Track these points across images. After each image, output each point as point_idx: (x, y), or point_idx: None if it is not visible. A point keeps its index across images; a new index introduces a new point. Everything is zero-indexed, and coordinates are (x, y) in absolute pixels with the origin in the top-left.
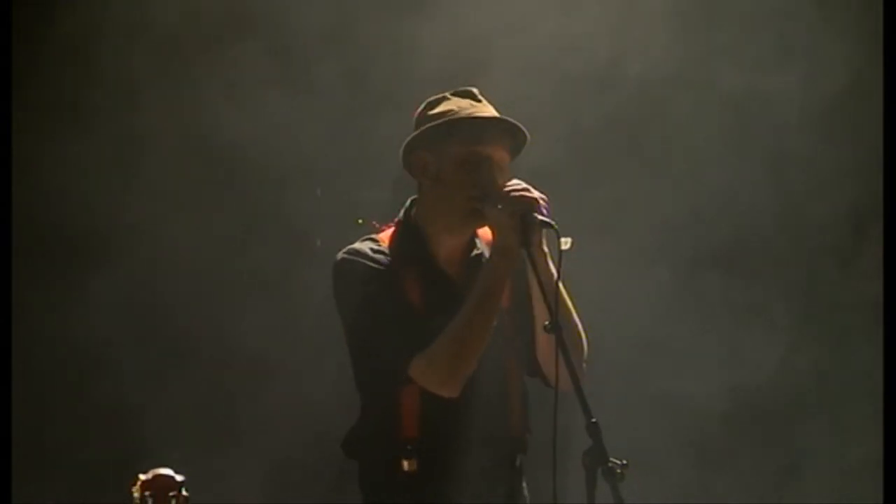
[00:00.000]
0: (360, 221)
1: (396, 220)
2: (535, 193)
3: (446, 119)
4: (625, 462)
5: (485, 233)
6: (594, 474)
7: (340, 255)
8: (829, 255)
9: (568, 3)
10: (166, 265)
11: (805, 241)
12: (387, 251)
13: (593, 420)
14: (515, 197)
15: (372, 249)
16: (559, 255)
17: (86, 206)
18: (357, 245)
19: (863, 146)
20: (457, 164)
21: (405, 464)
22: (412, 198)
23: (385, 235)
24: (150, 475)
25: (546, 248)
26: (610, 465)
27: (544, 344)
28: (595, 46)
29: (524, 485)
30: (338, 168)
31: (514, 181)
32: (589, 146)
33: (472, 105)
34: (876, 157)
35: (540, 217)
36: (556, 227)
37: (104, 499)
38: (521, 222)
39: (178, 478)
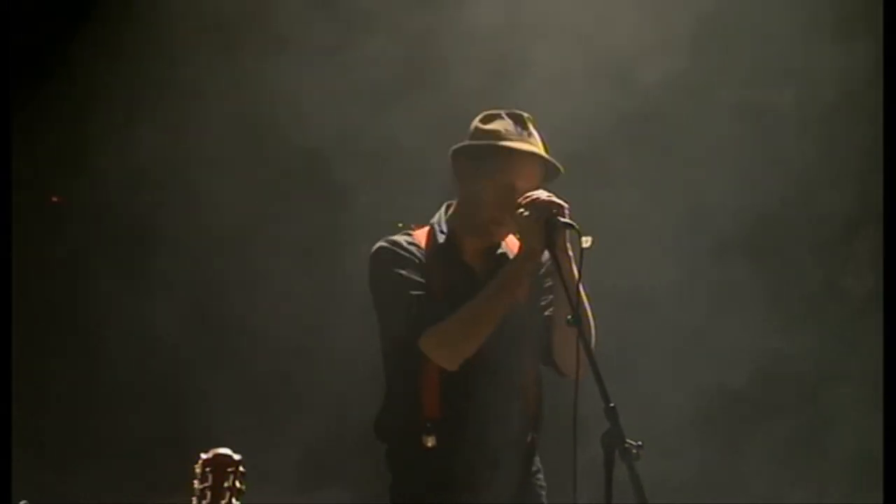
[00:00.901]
0: (400, 224)
1: (432, 221)
2: (557, 200)
3: (491, 142)
4: (640, 443)
5: (510, 240)
6: (612, 454)
7: (379, 243)
8: (837, 246)
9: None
10: (223, 247)
11: (818, 233)
12: (419, 244)
13: (611, 405)
14: (539, 203)
15: (406, 241)
16: (580, 253)
17: (144, 187)
18: (394, 237)
19: (864, 146)
20: (488, 184)
21: (427, 441)
22: (447, 203)
23: (421, 232)
24: (210, 454)
25: (569, 249)
26: (626, 445)
27: (561, 335)
28: (619, 48)
29: (537, 458)
30: (383, 148)
31: (539, 191)
32: (604, 146)
33: (519, 133)
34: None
35: (562, 220)
36: (578, 228)
37: (166, 477)
38: (545, 225)
39: (236, 457)
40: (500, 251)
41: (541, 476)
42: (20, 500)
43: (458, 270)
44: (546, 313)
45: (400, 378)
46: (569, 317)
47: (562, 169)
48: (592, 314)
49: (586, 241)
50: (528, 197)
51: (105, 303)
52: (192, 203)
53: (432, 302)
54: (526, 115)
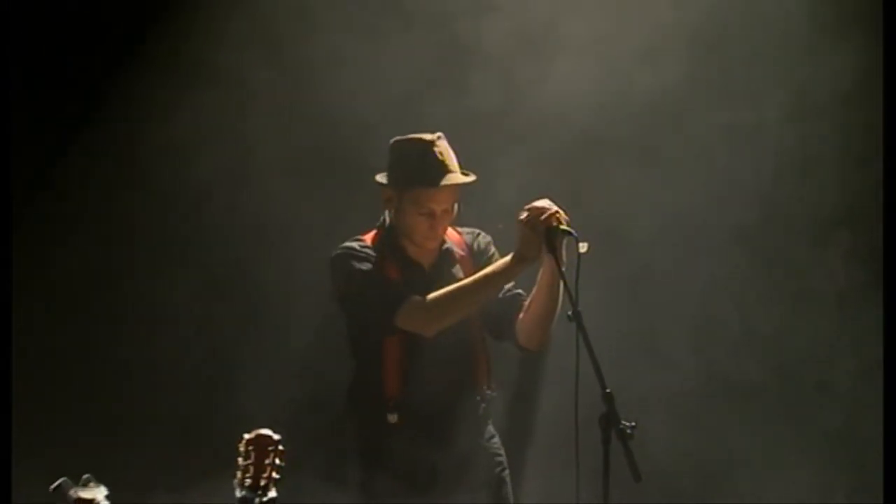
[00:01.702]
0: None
1: (379, 225)
2: (555, 208)
3: (405, 176)
4: (633, 424)
5: (451, 233)
6: (609, 434)
7: (335, 252)
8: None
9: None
10: (267, 232)
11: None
12: (371, 246)
13: (607, 390)
14: (540, 214)
15: (359, 245)
16: (578, 257)
17: (189, 164)
18: (347, 243)
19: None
20: (412, 210)
21: (390, 417)
22: (386, 204)
23: (367, 237)
24: (252, 434)
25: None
26: (621, 426)
27: (531, 316)
28: (630, 54)
29: (490, 426)
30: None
31: (542, 200)
32: (605, 149)
33: (440, 167)
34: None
35: (562, 227)
36: (576, 234)
37: (206, 456)
38: (546, 233)
39: (276, 437)
40: (445, 246)
41: (496, 440)
42: (84, 475)
43: (408, 267)
44: (512, 293)
45: (365, 362)
46: (569, 313)
47: (475, 178)
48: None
49: (583, 247)
50: (530, 208)
51: (147, 291)
52: (241, 185)
53: (392, 288)
54: (433, 137)
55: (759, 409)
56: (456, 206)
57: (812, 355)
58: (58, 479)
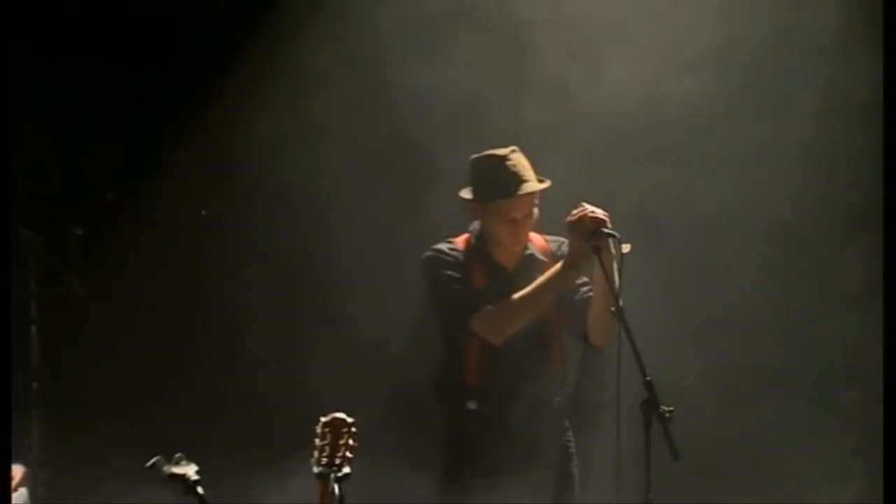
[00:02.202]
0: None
1: (470, 230)
2: (600, 213)
3: (485, 190)
4: (672, 408)
5: (535, 237)
6: (650, 418)
7: (425, 253)
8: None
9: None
10: (341, 223)
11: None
12: (460, 250)
13: (648, 378)
14: (585, 220)
15: (447, 248)
16: (621, 257)
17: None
18: (437, 245)
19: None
20: (494, 220)
21: (470, 404)
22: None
23: (459, 240)
24: (328, 417)
25: (612, 250)
26: (661, 410)
27: (595, 317)
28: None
29: (564, 421)
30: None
31: (586, 205)
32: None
33: (515, 178)
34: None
35: (605, 230)
36: (618, 236)
37: (284, 438)
38: (592, 236)
39: (349, 419)
40: (528, 251)
41: (569, 434)
42: (176, 454)
43: (493, 269)
44: (585, 296)
45: (450, 354)
46: (612, 308)
47: (548, 184)
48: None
49: (626, 248)
50: (576, 214)
51: (230, 285)
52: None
53: (473, 293)
54: (507, 151)
55: (791, 395)
56: (536, 210)
57: (842, 345)
58: (154, 456)
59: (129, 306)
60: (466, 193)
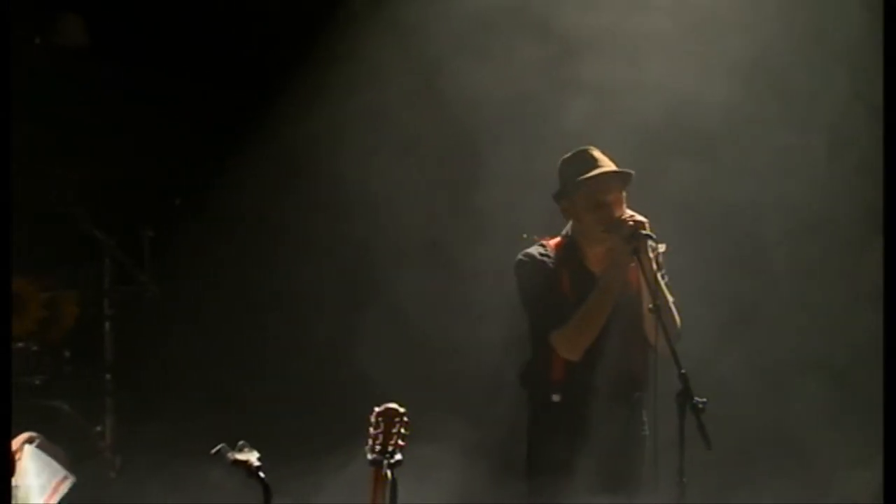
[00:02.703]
0: (524, 236)
1: (563, 233)
2: (640, 217)
3: (572, 180)
4: (705, 400)
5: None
6: (684, 409)
7: (519, 256)
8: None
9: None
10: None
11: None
12: (550, 254)
13: (683, 371)
14: (625, 223)
15: (539, 252)
16: (657, 257)
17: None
18: (530, 249)
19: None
20: (588, 209)
21: (554, 396)
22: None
23: (552, 243)
24: (382, 407)
25: (650, 252)
26: (695, 402)
27: (647, 319)
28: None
29: (643, 413)
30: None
31: (628, 211)
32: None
33: (595, 161)
34: None
35: (643, 232)
36: (655, 238)
37: (341, 423)
38: (632, 238)
39: (401, 409)
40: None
41: (646, 427)
42: (239, 441)
43: (581, 272)
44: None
45: (538, 350)
46: (650, 305)
47: (632, 172)
48: (675, 305)
49: (661, 248)
50: (616, 219)
51: (295, 279)
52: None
53: (559, 303)
54: (591, 147)
55: (823, 384)
56: (624, 194)
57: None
58: (218, 444)
59: (197, 303)
60: (557, 195)
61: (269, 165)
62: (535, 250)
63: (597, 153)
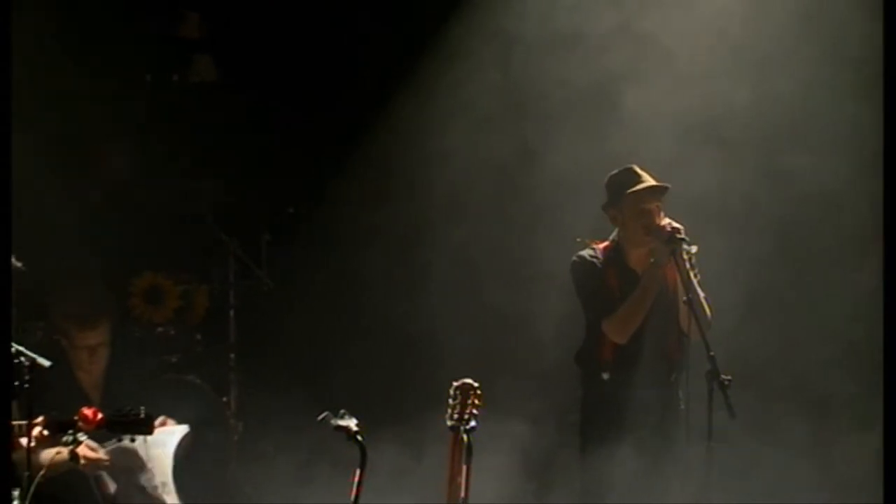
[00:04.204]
0: (578, 240)
1: (610, 238)
2: (676, 224)
3: (619, 191)
4: (730, 378)
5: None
6: (712, 386)
7: (573, 258)
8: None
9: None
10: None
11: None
12: (600, 256)
13: (711, 353)
14: (663, 230)
15: (589, 255)
16: (689, 257)
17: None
18: (583, 252)
19: None
20: (632, 217)
21: (604, 375)
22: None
23: (601, 246)
24: (459, 382)
25: (684, 255)
26: (721, 379)
27: (682, 310)
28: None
29: (679, 393)
30: None
31: (666, 219)
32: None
33: (639, 177)
34: None
35: (679, 236)
36: (689, 240)
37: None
38: (669, 243)
39: (475, 384)
40: (652, 259)
41: (682, 402)
42: (340, 409)
43: (625, 271)
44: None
45: (591, 333)
46: (684, 298)
47: (668, 186)
48: (706, 301)
49: (693, 249)
50: (656, 226)
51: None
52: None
53: (608, 297)
54: (634, 166)
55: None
56: (660, 206)
57: None
58: (323, 411)
59: (306, 294)
60: (605, 205)
61: (366, 181)
62: (586, 253)
63: (639, 170)
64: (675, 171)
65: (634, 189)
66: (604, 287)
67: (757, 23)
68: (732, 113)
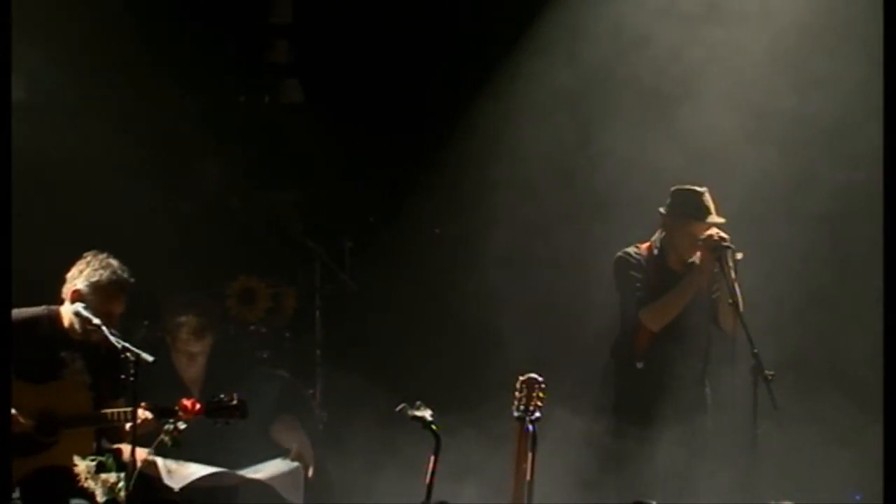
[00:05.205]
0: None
1: (652, 238)
2: (724, 234)
3: (684, 213)
4: (773, 373)
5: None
6: (756, 380)
7: (618, 254)
8: None
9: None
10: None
11: None
12: (643, 253)
13: (755, 350)
14: (714, 239)
15: (634, 252)
16: (735, 263)
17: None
18: (627, 249)
19: None
20: (684, 236)
21: (638, 364)
22: (660, 229)
23: (643, 246)
24: (525, 376)
25: (730, 260)
26: (765, 374)
27: (722, 309)
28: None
29: (705, 380)
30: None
31: (713, 230)
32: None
33: (707, 211)
34: None
35: (724, 244)
36: (734, 248)
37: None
38: (716, 249)
39: (540, 378)
40: (690, 260)
41: (708, 391)
42: (416, 401)
43: (666, 272)
44: (715, 294)
45: (628, 326)
46: (729, 301)
47: (723, 221)
48: (742, 297)
49: (739, 255)
50: (707, 234)
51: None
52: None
53: (644, 289)
54: (703, 189)
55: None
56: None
57: None
58: (401, 403)
59: (385, 297)
60: (663, 209)
61: (439, 193)
62: (631, 250)
63: (709, 200)
64: (729, 170)
65: (698, 224)
66: (644, 283)
67: (810, 39)
68: (782, 116)
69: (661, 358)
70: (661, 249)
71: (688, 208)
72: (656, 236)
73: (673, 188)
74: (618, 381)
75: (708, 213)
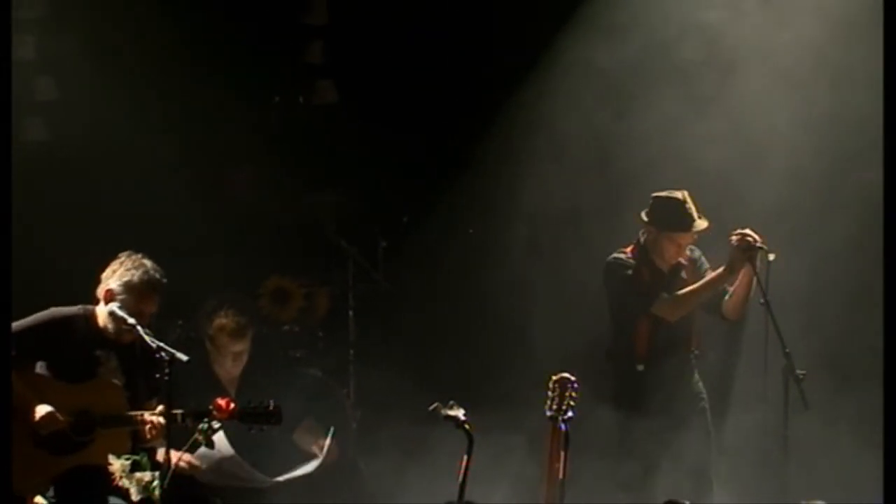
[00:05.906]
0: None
1: (635, 241)
2: (756, 235)
3: (666, 221)
4: (805, 372)
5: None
6: (787, 379)
7: (608, 259)
8: None
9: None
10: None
11: None
12: (630, 257)
13: (787, 350)
14: (745, 240)
15: (623, 256)
16: (768, 264)
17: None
18: (615, 254)
19: None
20: (666, 242)
21: (639, 366)
22: (643, 230)
23: (628, 249)
24: (558, 376)
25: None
26: (797, 373)
27: (735, 301)
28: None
29: (696, 374)
30: None
31: (746, 230)
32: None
33: (691, 221)
34: None
35: (758, 245)
36: (766, 248)
37: (521, 382)
38: (746, 251)
39: (572, 378)
40: (676, 260)
41: (700, 384)
42: (450, 400)
43: (654, 272)
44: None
45: (622, 332)
46: (761, 301)
47: (707, 225)
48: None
49: (771, 256)
50: (739, 235)
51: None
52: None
53: (641, 289)
54: (683, 196)
55: None
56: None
57: None
58: (434, 402)
59: (417, 296)
60: (644, 216)
61: (472, 195)
62: (619, 254)
63: (691, 205)
64: (767, 163)
65: (680, 234)
66: (638, 282)
67: (845, 42)
68: (822, 110)
69: (661, 358)
70: (644, 252)
71: (671, 221)
72: (640, 239)
73: (653, 195)
74: (616, 383)
75: (692, 220)
